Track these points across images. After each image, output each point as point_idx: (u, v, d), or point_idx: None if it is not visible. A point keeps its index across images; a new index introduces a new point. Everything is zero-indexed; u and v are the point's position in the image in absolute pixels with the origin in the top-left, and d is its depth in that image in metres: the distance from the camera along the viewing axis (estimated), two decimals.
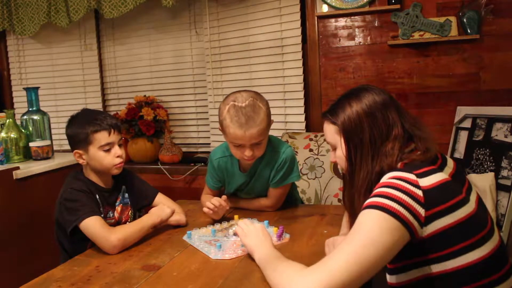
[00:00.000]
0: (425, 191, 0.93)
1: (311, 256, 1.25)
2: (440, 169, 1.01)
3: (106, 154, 1.50)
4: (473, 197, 1.01)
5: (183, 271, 1.21)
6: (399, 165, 1.02)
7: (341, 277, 0.87)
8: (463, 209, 0.95)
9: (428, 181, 0.94)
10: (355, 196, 1.08)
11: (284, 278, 0.97)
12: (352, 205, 1.09)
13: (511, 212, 1.96)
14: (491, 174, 2.06)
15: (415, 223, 0.91)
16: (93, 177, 1.56)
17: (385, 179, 0.98)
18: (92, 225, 1.37)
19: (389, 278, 1.04)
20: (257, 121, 1.50)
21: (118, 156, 1.52)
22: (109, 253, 1.35)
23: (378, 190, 0.96)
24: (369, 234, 0.90)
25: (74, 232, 1.41)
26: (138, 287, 1.12)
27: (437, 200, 0.93)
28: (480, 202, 1.03)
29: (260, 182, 1.71)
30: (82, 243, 1.46)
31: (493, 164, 2.09)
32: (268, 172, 1.68)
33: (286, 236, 1.43)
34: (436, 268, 0.94)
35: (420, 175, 0.95)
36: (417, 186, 0.93)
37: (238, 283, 1.11)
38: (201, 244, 1.38)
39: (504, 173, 2.03)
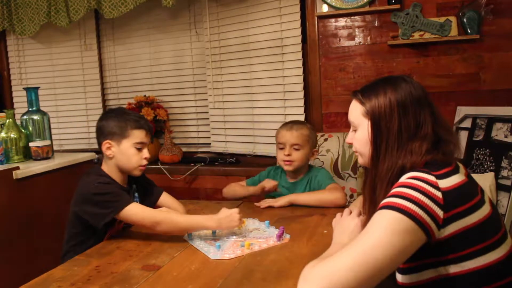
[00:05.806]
0: (445, 192, 0.92)
1: (311, 256, 1.25)
2: (457, 170, 0.99)
3: (136, 152, 1.57)
4: (487, 198, 1.00)
5: (183, 271, 1.21)
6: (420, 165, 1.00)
7: (346, 276, 0.86)
8: (480, 210, 0.94)
9: (447, 183, 0.93)
10: (377, 185, 1.05)
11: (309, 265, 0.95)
12: (374, 193, 1.07)
13: (511, 212, 1.96)
14: (491, 174, 2.06)
15: (433, 225, 0.90)
16: (114, 174, 1.59)
17: (403, 179, 0.97)
18: (134, 211, 1.44)
19: (401, 278, 1.02)
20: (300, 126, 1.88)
21: (145, 158, 1.59)
22: (154, 232, 1.44)
23: (395, 190, 0.95)
24: (379, 234, 0.89)
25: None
26: (138, 287, 1.13)
27: (456, 202, 0.92)
28: (493, 203, 1.02)
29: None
30: (103, 236, 1.52)
31: (493, 164, 2.09)
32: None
33: (286, 237, 1.43)
34: (452, 269, 0.93)
35: (439, 176, 0.94)
36: (436, 187, 0.92)
37: (238, 283, 1.11)
38: (201, 244, 1.38)
39: (504, 173, 2.03)
